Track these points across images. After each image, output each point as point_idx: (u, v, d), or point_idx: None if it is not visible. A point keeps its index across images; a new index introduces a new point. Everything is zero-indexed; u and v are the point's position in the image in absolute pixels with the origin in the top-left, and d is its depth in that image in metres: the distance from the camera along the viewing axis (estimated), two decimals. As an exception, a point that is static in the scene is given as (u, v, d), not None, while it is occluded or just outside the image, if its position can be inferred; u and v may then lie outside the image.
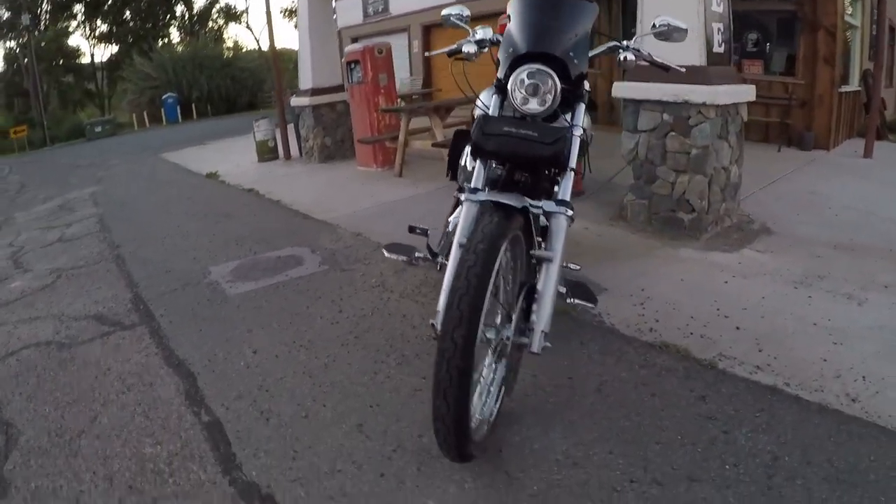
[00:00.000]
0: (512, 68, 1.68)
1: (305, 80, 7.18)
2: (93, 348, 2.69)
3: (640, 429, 1.65)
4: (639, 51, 1.90)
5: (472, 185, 1.69)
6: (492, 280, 1.33)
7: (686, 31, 1.91)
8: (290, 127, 7.94)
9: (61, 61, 33.55)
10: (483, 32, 1.91)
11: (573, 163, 1.68)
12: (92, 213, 6.07)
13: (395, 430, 1.76)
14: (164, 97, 25.35)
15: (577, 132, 1.71)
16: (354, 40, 11.61)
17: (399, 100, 6.83)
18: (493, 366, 1.68)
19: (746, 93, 3.50)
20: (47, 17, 34.32)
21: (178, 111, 25.63)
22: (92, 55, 36.37)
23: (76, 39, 36.03)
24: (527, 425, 1.72)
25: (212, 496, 1.56)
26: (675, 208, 3.30)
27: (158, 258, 3.97)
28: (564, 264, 2.03)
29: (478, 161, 1.72)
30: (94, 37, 35.74)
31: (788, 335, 2.15)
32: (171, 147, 11.51)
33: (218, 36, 35.35)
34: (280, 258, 3.65)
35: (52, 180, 9.80)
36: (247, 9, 32.34)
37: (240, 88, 27.90)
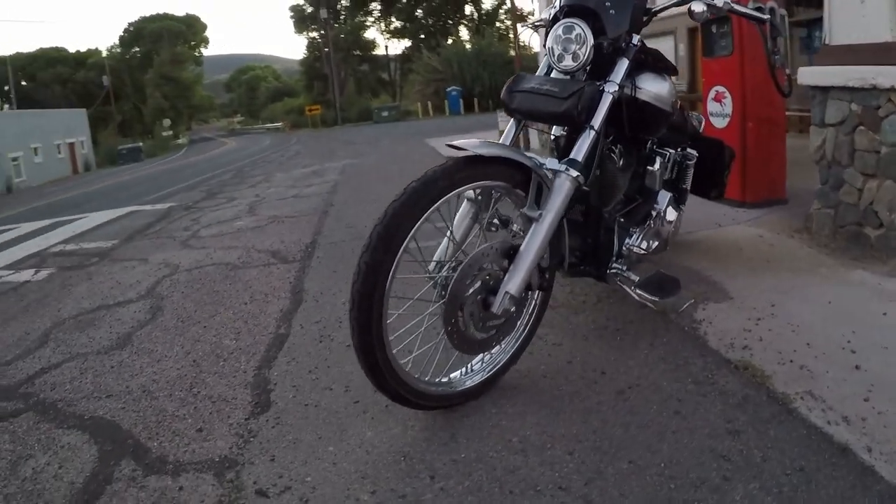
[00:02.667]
0: (554, 23, 1.86)
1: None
2: (252, 272, 3.76)
3: (625, 443, 1.58)
4: None
5: (501, 140, 1.92)
6: (421, 218, 1.51)
7: None
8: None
9: (357, 52, 43.79)
10: None
11: (595, 120, 1.76)
12: (333, 179, 7.86)
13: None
14: (448, 90, 30.79)
15: (610, 88, 1.79)
16: None
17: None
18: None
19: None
20: (346, 12, 45.13)
21: (461, 104, 30.77)
22: (386, 48, 47.11)
23: (372, 33, 46.75)
24: (515, 401, 1.83)
25: (238, 380, 2.25)
26: (861, 221, 3.02)
27: (351, 216, 5.21)
28: (646, 251, 2.14)
29: (511, 120, 1.96)
30: (388, 31, 45.78)
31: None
32: (440, 134, 13.75)
33: (503, 35, 40.03)
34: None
35: (323, 152, 12.83)
36: (533, 11, 37.77)
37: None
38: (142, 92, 52.95)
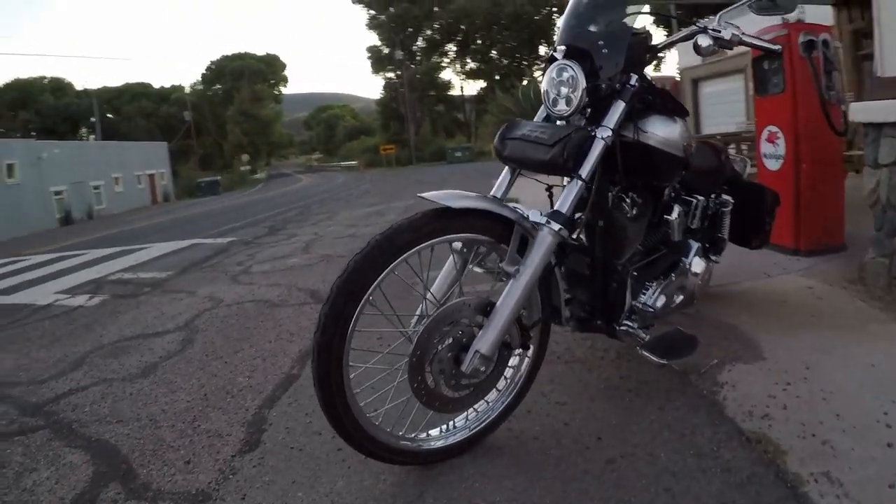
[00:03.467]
0: (550, 64, 1.90)
1: None
2: (287, 310, 3.98)
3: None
4: (719, 31, 1.89)
5: (493, 192, 1.96)
6: (383, 272, 1.55)
7: None
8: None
9: (433, 92, 45.49)
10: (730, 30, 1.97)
11: (583, 169, 1.75)
12: (393, 219, 8.13)
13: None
14: None
15: (602, 133, 1.77)
16: (694, 82, 13.12)
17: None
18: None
19: None
20: (422, 53, 47.59)
21: None
22: (461, 88, 48.65)
23: (448, 74, 48.95)
24: (497, 463, 1.82)
25: (238, 418, 2.39)
26: None
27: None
28: (665, 307, 2.10)
29: (505, 168, 2.00)
30: (464, 72, 47.37)
31: None
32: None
33: None
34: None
35: (391, 191, 13.23)
36: None
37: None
38: (222, 127, 56.70)
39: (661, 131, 1.95)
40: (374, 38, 49.36)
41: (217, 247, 8.14)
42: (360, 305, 1.53)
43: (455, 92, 49.11)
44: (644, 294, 2.09)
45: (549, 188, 2.00)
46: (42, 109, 48.25)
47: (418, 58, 49.05)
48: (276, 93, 65.63)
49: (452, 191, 1.66)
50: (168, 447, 2.14)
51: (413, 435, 1.80)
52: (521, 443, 1.92)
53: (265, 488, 1.78)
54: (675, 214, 2.16)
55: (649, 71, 2.04)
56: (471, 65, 47.59)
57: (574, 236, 2.17)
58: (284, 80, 66.07)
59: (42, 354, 3.67)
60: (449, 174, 17.81)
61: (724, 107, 14.14)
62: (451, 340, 1.67)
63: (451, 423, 1.88)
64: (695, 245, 2.29)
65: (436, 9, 46.95)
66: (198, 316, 4.20)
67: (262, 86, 60.55)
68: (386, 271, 1.56)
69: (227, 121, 56.25)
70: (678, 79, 6.36)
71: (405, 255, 1.59)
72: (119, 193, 33.62)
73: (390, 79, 48.93)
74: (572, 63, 1.80)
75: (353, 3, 48.15)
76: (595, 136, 1.76)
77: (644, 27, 2.02)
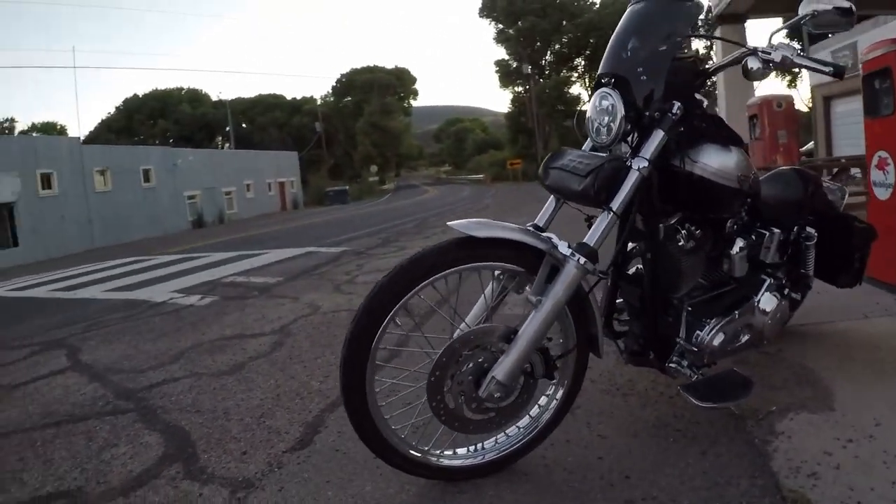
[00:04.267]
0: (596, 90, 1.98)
1: None
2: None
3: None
4: (769, 53, 1.88)
5: (536, 221, 2.06)
6: (405, 296, 1.70)
7: (852, 9, 1.80)
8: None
9: (561, 107, 45.51)
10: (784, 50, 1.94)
11: (615, 202, 1.79)
12: None
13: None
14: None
15: (638, 164, 1.81)
16: (826, 100, 12.60)
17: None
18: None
19: None
20: (550, 67, 48.53)
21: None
22: None
23: (577, 89, 48.86)
24: (517, 489, 1.89)
25: (300, 418, 2.62)
26: None
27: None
28: (725, 346, 2.11)
29: (550, 196, 2.11)
30: (592, 87, 47.42)
31: None
32: None
33: (709, 92, 40.49)
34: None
35: (511, 206, 13.42)
36: None
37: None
38: (352, 138, 59.99)
39: (712, 161, 1.94)
40: (502, 52, 50.67)
41: (330, 256, 8.68)
42: (382, 325, 1.70)
43: (585, 107, 50.10)
44: (701, 331, 2.08)
45: (589, 218, 2.03)
46: (180, 118, 53.73)
47: (547, 72, 49.75)
48: (406, 105, 68.29)
49: (482, 220, 1.78)
50: (231, 438, 2.42)
51: (439, 451, 1.92)
52: (548, 471, 1.99)
53: (302, 484, 2.00)
54: (736, 248, 2.13)
55: (768, 86, 2.04)
56: None
57: (629, 270, 2.23)
58: (414, 93, 68.73)
59: (147, 347, 4.19)
60: None
61: (858, 127, 12.96)
62: (471, 364, 1.77)
63: (479, 444, 1.99)
64: (766, 281, 2.27)
65: (564, 22, 47.41)
66: (294, 321, 4.57)
67: (391, 98, 63.33)
68: (408, 295, 1.71)
69: (357, 132, 59.41)
70: (793, 98, 6.19)
71: (429, 281, 1.73)
72: (250, 199, 36.49)
73: (518, 93, 49.98)
74: (612, 91, 1.85)
75: (481, 17, 49.48)
76: (630, 167, 1.80)
77: (695, 50, 2.05)
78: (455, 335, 1.78)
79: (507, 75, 49.88)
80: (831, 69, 1.89)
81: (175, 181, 29.54)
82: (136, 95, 56.77)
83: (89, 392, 3.29)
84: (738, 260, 2.13)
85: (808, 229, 2.52)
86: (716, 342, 2.08)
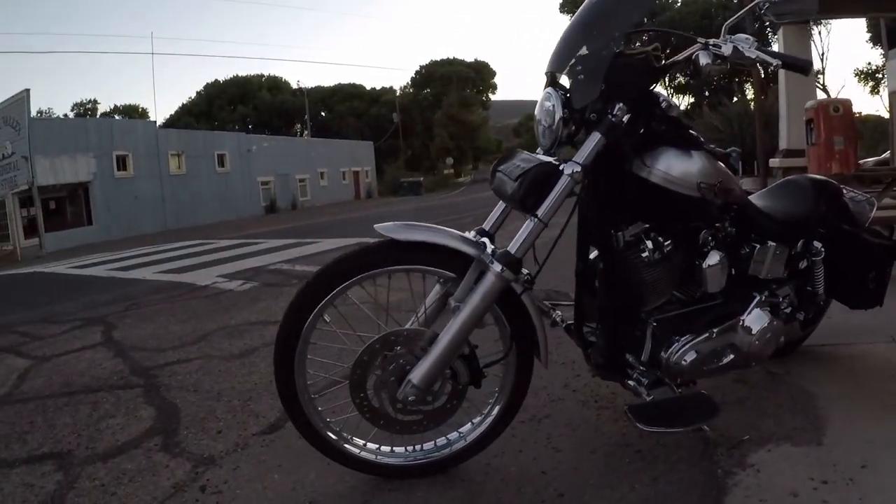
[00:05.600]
0: None
1: (782, 139, 8.04)
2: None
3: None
4: (719, 47, 1.83)
5: (483, 225, 2.06)
6: (323, 300, 1.82)
7: None
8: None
9: None
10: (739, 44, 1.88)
11: (542, 209, 1.78)
12: (552, 235, 8.44)
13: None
14: (728, 150, 30.36)
15: (569, 169, 1.77)
16: None
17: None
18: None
19: None
20: None
21: (740, 165, 30.46)
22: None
23: (657, 88, 47.87)
24: (446, 494, 1.94)
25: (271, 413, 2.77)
26: None
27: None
28: (697, 366, 2.05)
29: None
30: (673, 87, 46.12)
31: None
32: None
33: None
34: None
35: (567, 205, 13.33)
36: (822, 69, 37.02)
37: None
38: (429, 130, 60.67)
39: (667, 167, 1.88)
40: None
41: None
42: (306, 323, 1.83)
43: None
44: (668, 348, 2.02)
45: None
46: (259, 105, 55.67)
47: None
48: (484, 99, 68.40)
49: (407, 223, 1.83)
50: (214, 417, 2.64)
51: (376, 448, 2.01)
52: (486, 479, 2.02)
53: (255, 465, 2.17)
54: (708, 262, 2.03)
55: (851, 92, 1.93)
56: (679, 79, 46.78)
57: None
58: (493, 87, 68.76)
59: (176, 328, 4.51)
60: None
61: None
62: (393, 366, 1.83)
63: (419, 445, 2.04)
64: (756, 298, 2.18)
65: (645, 20, 46.20)
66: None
67: (470, 92, 63.58)
68: (331, 294, 1.83)
69: (435, 124, 60.00)
70: (851, 102, 5.98)
71: (351, 281, 1.84)
72: (323, 187, 37.63)
73: None
74: (553, 91, 1.84)
75: (562, 13, 49.10)
76: (562, 172, 1.77)
77: (652, 46, 1.94)
78: (376, 336, 1.85)
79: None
80: (769, 61, 1.83)
81: (249, 167, 30.85)
82: (217, 81, 59.60)
83: (109, 367, 3.60)
84: (710, 274, 2.04)
85: (815, 244, 2.41)
86: (685, 361, 2.02)
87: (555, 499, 1.89)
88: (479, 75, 66.38)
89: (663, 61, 2.00)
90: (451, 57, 66.51)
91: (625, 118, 1.80)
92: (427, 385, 1.81)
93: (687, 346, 2.03)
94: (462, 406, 1.97)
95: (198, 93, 60.10)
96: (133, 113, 57.17)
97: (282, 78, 59.98)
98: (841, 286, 2.53)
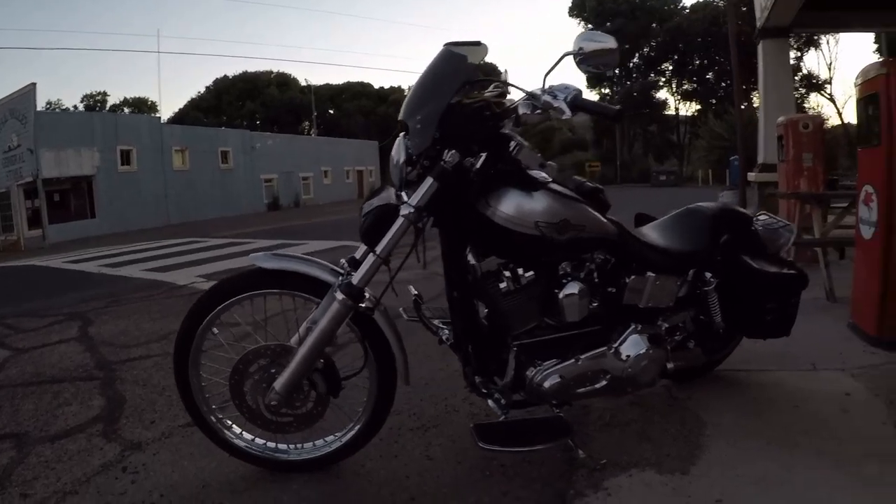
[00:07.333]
0: None
1: (760, 153, 8.03)
2: None
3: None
4: (539, 97, 2.00)
5: (355, 254, 2.22)
6: (203, 321, 2.17)
7: (615, 50, 1.95)
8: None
9: (648, 110, 44.91)
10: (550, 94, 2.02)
11: (380, 246, 2.03)
12: None
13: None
14: (731, 158, 29.97)
15: (405, 211, 1.99)
16: None
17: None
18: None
19: None
20: (638, 71, 49.43)
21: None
22: (676, 109, 49.19)
23: (664, 94, 49.57)
24: (303, 494, 2.20)
25: None
26: None
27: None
28: (564, 391, 2.20)
29: None
30: (679, 93, 46.64)
31: None
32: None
33: (798, 103, 39.00)
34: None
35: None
36: (830, 79, 39.10)
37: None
38: (439, 130, 60.77)
39: (506, 207, 2.03)
40: None
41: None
42: (196, 335, 2.20)
43: (672, 112, 49.91)
44: (530, 372, 2.18)
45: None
46: (267, 101, 55.96)
47: (634, 75, 50.16)
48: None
49: (276, 253, 2.19)
50: (152, 409, 3.03)
51: (263, 443, 2.33)
52: (355, 480, 2.28)
53: (172, 452, 2.55)
54: (566, 292, 2.17)
55: None
56: (686, 86, 47.21)
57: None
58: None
59: (147, 326, 4.92)
60: (641, 198, 18.22)
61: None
62: (265, 374, 2.14)
63: (299, 444, 2.34)
64: (630, 326, 2.31)
65: (654, 25, 47.21)
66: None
67: (478, 93, 63.75)
68: (213, 312, 2.18)
69: (445, 124, 60.29)
70: (823, 119, 5.89)
71: (229, 302, 2.18)
72: (326, 185, 38.05)
73: (606, 95, 50.13)
74: (402, 138, 2.07)
75: (570, 16, 49.62)
76: (400, 214, 2.00)
77: (497, 93, 2.20)
78: (250, 348, 2.19)
79: (595, 76, 49.92)
80: (607, 112, 2.02)
81: (253, 164, 31.29)
82: (225, 76, 59.85)
83: (77, 360, 4.00)
84: (567, 304, 2.17)
85: (707, 274, 2.52)
86: (547, 384, 2.16)
87: (406, 502, 2.11)
88: (486, 76, 66.63)
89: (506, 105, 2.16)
90: (460, 58, 66.76)
91: (455, 163, 1.99)
92: (287, 392, 2.11)
93: (550, 371, 2.18)
94: (341, 412, 2.30)
95: (207, 87, 60.57)
96: (142, 106, 57.68)
97: (290, 75, 60.32)
98: (738, 316, 2.61)
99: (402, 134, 2.11)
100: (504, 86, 2.24)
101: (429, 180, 1.98)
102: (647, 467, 2.23)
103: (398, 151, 2.09)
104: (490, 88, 2.28)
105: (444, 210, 2.07)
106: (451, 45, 2.13)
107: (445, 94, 2.02)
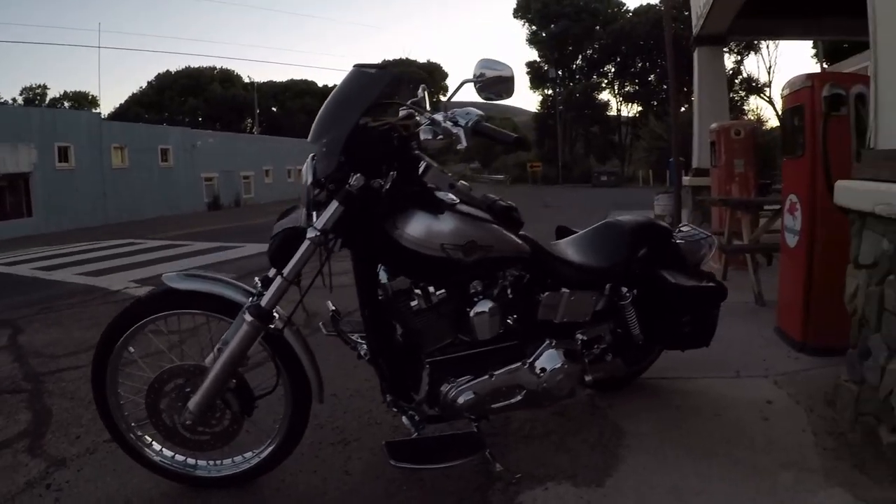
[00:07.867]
0: None
1: (694, 158, 8.32)
2: None
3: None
4: (440, 122, 2.02)
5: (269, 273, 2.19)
6: (122, 336, 2.21)
7: (511, 79, 1.99)
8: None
9: (588, 111, 46.97)
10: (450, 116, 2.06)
11: (287, 268, 2.04)
12: None
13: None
14: (670, 160, 31.05)
15: (311, 234, 1.99)
16: None
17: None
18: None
19: None
20: (581, 72, 50.84)
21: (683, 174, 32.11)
22: (618, 111, 50.61)
23: (607, 95, 51.57)
24: (224, 495, 2.31)
25: None
26: (878, 414, 2.34)
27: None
28: (478, 405, 2.22)
29: None
30: (621, 95, 48.29)
31: None
32: (632, 206, 13.60)
33: (735, 106, 40.79)
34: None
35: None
36: (770, 82, 40.00)
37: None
38: (381, 129, 60.70)
39: (411, 229, 2.06)
40: (534, 54, 52.83)
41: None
42: (112, 354, 2.24)
43: (613, 114, 51.23)
44: (444, 388, 2.20)
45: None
46: (210, 98, 54.80)
47: (577, 77, 51.41)
48: (436, 100, 68.75)
49: (189, 273, 2.21)
50: (78, 423, 3.05)
51: (183, 460, 2.36)
52: (274, 495, 2.32)
53: (95, 468, 2.58)
54: (476, 310, 2.20)
55: None
56: (628, 87, 48.63)
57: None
58: (445, 89, 69.26)
59: (77, 334, 4.88)
60: (583, 198, 19.12)
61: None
62: (180, 393, 2.16)
63: (219, 461, 2.37)
64: (545, 341, 2.35)
65: (597, 27, 48.62)
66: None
67: (387, 115, 63.87)
68: (128, 332, 2.22)
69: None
70: (754, 126, 6.02)
71: (143, 322, 2.21)
72: (268, 185, 37.46)
73: (548, 96, 51.37)
74: (310, 161, 2.09)
75: (515, 17, 50.41)
76: (306, 238, 2.01)
77: (406, 114, 2.21)
78: (164, 368, 2.22)
79: (538, 77, 51.37)
80: (506, 139, 2.05)
81: (193, 162, 30.55)
82: (168, 72, 58.34)
83: (6, 371, 3.97)
84: (478, 322, 2.21)
85: (623, 288, 2.55)
86: (460, 400, 2.18)
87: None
88: (431, 77, 66.79)
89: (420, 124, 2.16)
90: (405, 57, 66.71)
91: (360, 186, 2.00)
92: (201, 412, 2.13)
93: (464, 387, 2.21)
94: (258, 429, 2.37)
95: (149, 83, 58.95)
96: (83, 101, 55.63)
97: (234, 71, 59.23)
98: (656, 328, 2.64)
99: (311, 155, 2.14)
100: (412, 108, 2.26)
101: (334, 204, 2.00)
102: (564, 480, 2.27)
103: (306, 173, 2.11)
104: (400, 109, 2.32)
105: (353, 231, 2.08)
106: (360, 67, 2.17)
107: (352, 117, 2.04)
